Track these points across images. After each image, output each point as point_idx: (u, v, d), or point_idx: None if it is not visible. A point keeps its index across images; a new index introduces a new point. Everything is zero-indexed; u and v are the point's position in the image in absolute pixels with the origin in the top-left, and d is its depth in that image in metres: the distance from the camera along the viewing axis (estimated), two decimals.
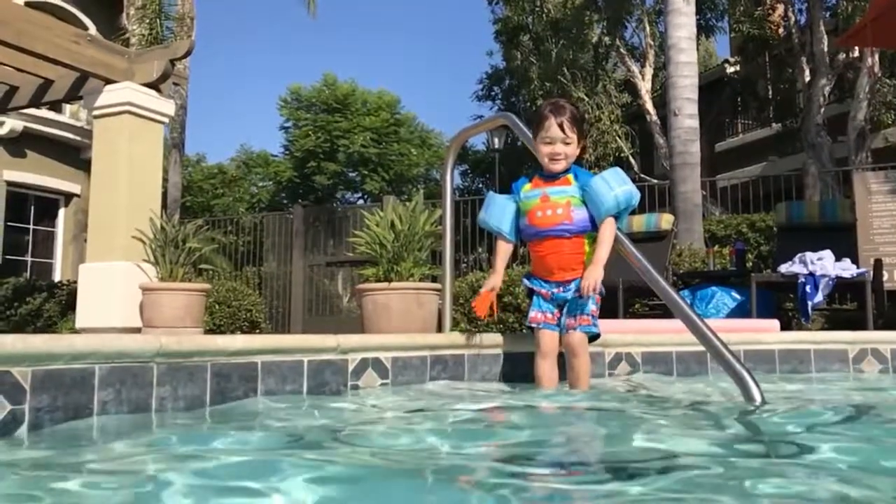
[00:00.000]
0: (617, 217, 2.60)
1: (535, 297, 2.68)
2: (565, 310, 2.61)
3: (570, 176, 2.66)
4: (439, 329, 4.22)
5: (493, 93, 23.23)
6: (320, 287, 12.42)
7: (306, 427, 1.84)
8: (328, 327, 10.42)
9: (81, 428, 1.75)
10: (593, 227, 2.60)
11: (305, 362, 2.32)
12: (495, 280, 2.72)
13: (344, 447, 1.58)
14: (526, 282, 2.74)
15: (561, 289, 2.61)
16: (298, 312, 11.76)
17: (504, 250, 2.77)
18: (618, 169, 2.70)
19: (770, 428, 1.92)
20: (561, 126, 2.59)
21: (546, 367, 2.60)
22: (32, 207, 14.68)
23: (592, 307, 2.59)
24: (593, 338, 2.62)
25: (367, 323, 4.71)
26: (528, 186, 2.71)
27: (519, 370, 2.75)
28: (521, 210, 2.70)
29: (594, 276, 2.48)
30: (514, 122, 3.23)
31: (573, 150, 2.63)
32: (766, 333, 3.43)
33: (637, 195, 2.62)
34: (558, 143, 2.60)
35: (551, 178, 2.66)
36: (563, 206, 2.59)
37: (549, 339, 2.60)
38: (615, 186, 2.55)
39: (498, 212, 2.74)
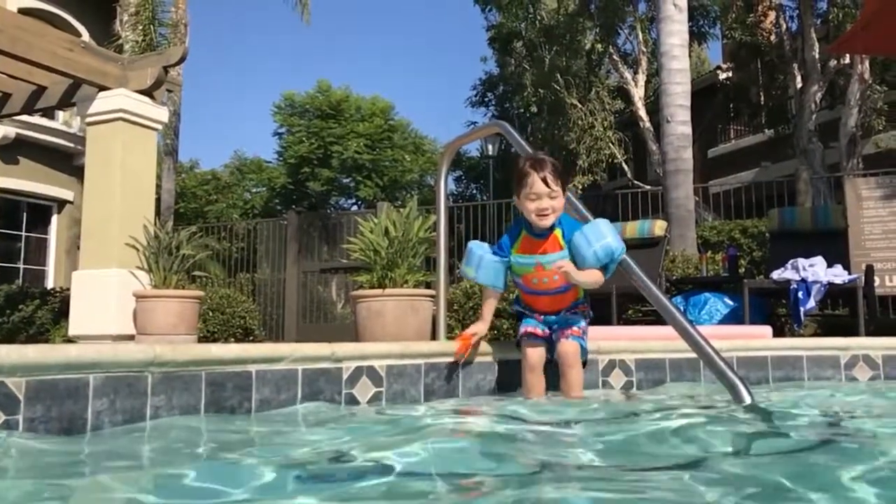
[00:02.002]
0: (604, 269, 2.59)
1: (525, 317, 2.74)
2: (557, 327, 2.68)
3: (559, 233, 2.62)
4: (434, 335, 4.23)
5: (486, 99, 23.30)
6: (314, 293, 12.40)
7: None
8: (322, 334, 10.41)
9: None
10: None
11: (300, 371, 2.32)
12: (482, 328, 2.72)
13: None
14: (517, 307, 2.79)
15: (553, 314, 2.69)
16: (292, 319, 11.75)
17: (494, 299, 2.80)
18: (600, 222, 2.63)
19: (764, 429, 1.94)
20: (545, 181, 2.54)
21: (534, 379, 2.65)
22: (25, 214, 14.63)
23: (583, 324, 2.68)
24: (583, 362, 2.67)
25: (361, 330, 4.71)
26: (517, 250, 2.67)
27: (513, 377, 2.76)
28: (514, 271, 2.70)
29: (570, 269, 2.51)
30: (508, 130, 3.24)
31: (560, 202, 2.58)
32: (758, 340, 3.45)
33: (619, 248, 2.56)
34: (544, 197, 2.54)
35: (540, 236, 2.62)
36: (560, 273, 2.59)
37: (537, 354, 2.65)
38: (594, 242, 2.54)
39: (492, 274, 2.71)
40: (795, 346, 3.35)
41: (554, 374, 2.67)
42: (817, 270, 5.38)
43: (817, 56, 12.28)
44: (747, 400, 2.29)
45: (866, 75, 11.85)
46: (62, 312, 8.78)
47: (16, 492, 1.23)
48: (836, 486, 1.27)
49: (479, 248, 2.76)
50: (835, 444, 1.75)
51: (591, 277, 2.57)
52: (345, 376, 2.43)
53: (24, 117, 11.60)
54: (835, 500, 1.18)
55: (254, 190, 24.50)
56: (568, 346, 2.60)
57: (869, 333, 5.37)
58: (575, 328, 2.64)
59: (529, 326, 2.69)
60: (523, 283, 2.69)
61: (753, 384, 2.70)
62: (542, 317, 2.70)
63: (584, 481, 1.38)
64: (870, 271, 5.99)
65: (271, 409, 2.21)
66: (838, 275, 5.45)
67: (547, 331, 2.69)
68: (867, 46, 6.97)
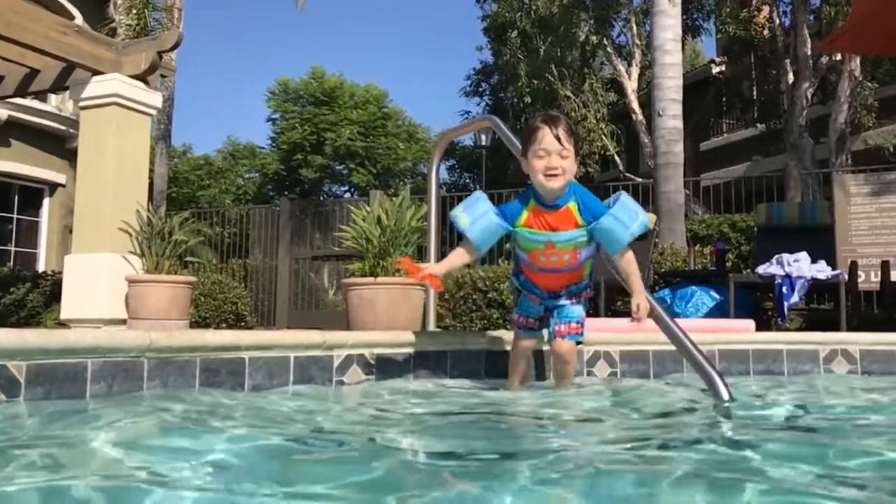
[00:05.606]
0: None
1: (522, 297, 2.63)
2: (555, 314, 2.57)
3: (573, 207, 2.39)
4: (424, 323, 4.30)
5: (480, 89, 23.27)
6: (306, 280, 12.44)
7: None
8: (314, 321, 10.46)
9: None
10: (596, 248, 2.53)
11: (292, 358, 2.38)
12: (438, 270, 2.49)
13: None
14: (514, 281, 2.66)
15: (553, 296, 2.58)
16: (284, 306, 11.79)
17: (467, 256, 2.55)
18: (625, 200, 2.43)
19: (741, 424, 2.01)
20: (557, 137, 2.32)
21: (521, 366, 2.68)
22: (17, 197, 14.59)
23: (582, 314, 2.59)
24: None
25: (352, 317, 4.77)
26: (525, 222, 2.43)
27: (500, 367, 2.82)
28: (520, 245, 2.49)
29: (646, 306, 2.44)
30: (498, 124, 3.29)
31: (571, 164, 2.34)
32: (740, 333, 3.52)
33: (645, 216, 2.42)
34: (554, 155, 2.32)
35: (551, 208, 2.40)
36: (570, 252, 2.42)
37: (527, 344, 2.66)
38: (630, 224, 2.36)
39: (485, 235, 2.45)
40: (776, 339, 3.43)
41: (543, 363, 2.74)
42: (801, 266, 5.46)
43: (809, 52, 12.34)
44: (725, 396, 2.35)
45: (857, 72, 11.93)
46: (54, 296, 8.79)
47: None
48: (809, 476, 1.32)
49: (485, 202, 2.48)
50: (807, 436, 1.82)
51: (633, 267, 2.47)
52: (336, 364, 2.49)
53: (17, 99, 11.55)
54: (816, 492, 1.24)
55: (246, 176, 24.47)
56: (565, 346, 2.56)
57: (851, 328, 5.47)
58: (574, 324, 2.55)
59: (524, 315, 2.62)
60: (529, 259, 2.47)
61: (735, 377, 2.77)
62: (541, 299, 2.58)
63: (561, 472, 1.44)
64: (853, 267, 6.09)
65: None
66: (822, 270, 5.53)
67: (543, 313, 2.60)
68: (855, 46, 7.04)
